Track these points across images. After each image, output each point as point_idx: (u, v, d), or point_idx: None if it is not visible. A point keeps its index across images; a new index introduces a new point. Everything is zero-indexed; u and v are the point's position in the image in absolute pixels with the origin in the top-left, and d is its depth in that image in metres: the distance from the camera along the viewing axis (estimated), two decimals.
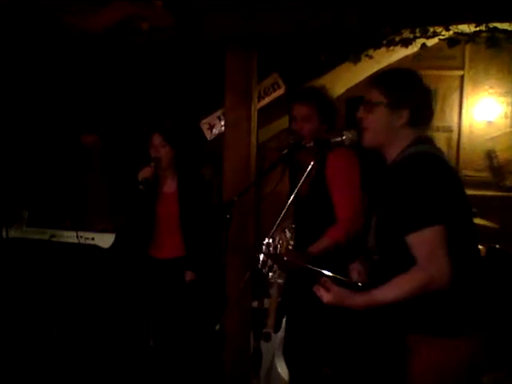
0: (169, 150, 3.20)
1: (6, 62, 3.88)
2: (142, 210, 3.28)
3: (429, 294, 1.72)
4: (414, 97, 1.86)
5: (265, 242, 2.62)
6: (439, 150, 1.89)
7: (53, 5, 2.99)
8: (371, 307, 1.78)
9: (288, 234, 2.66)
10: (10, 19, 3.15)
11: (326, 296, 1.79)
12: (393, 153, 1.89)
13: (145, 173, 3.15)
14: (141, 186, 3.12)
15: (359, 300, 1.78)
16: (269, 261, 1.86)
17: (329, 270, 1.84)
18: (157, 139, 3.20)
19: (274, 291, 2.94)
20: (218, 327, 2.18)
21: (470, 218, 1.89)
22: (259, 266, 2.02)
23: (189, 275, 3.22)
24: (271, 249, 2.61)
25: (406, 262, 1.74)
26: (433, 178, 1.72)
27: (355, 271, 2.08)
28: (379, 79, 1.94)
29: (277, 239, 2.80)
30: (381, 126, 1.88)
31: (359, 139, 2.19)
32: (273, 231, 2.28)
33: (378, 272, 1.93)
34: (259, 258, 1.91)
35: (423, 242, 1.69)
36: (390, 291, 1.75)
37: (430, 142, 1.91)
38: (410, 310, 1.80)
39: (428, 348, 1.81)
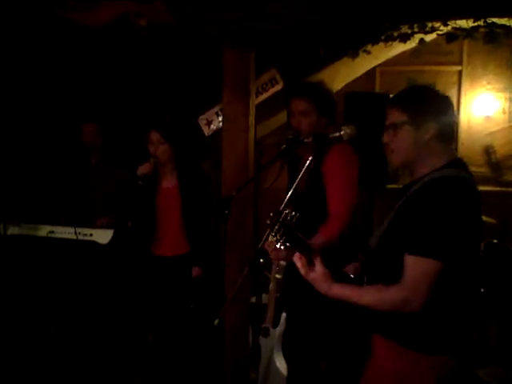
0: (167, 146, 3.20)
1: (6, 57, 3.87)
2: (141, 205, 3.28)
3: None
4: (434, 109, 1.85)
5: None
6: (469, 173, 1.87)
7: (52, 1, 2.99)
8: (341, 301, 1.82)
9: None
10: (11, 14, 3.14)
11: (305, 270, 1.81)
12: (424, 169, 1.86)
13: (144, 169, 3.15)
14: (140, 182, 3.13)
15: (334, 289, 1.81)
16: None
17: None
18: (155, 136, 3.20)
19: (272, 286, 2.94)
20: (216, 322, 2.18)
21: (475, 250, 1.86)
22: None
23: (196, 271, 3.22)
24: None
25: (397, 275, 1.76)
26: (454, 210, 1.71)
27: (352, 268, 2.10)
28: (395, 100, 1.94)
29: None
30: (408, 144, 1.88)
31: (359, 135, 2.20)
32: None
33: (370, 269, 1.95)
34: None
35: (417, 268, 1.71)
36: (365, 297, 1.80)
37: (461, 165, 1.88)
38: (389, 315, 1.81)
39: (395, 355, 1.83)
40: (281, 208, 1.92)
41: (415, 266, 1.71)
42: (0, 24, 3.26)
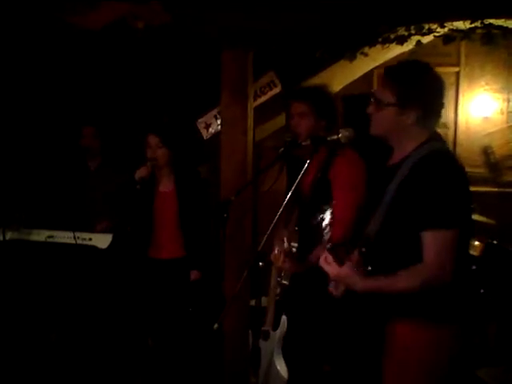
0: (165, 150, 3.20)
1: (6, 60, 3.87)
2: (139, 209, 3.27)
3: None
4: (423, 96, 1.88)
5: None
6: (448, 147, 1.97)
7: (51, 3, 2.99)
8: (370, 292, 1.85)
9: (286, 244, 2.66)
10: (11, 18, 3.14)
11: (334, 267, 1.84)
12: (406, 148, 1.91)
13: (141, 172, 3.15)
14: (138, 186, 3.12)
15: (368, 282, 1.84)
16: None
17: None
18: (153, 140, 3.20)
19: (273, 290, 2.94)
20: (216, 326, 2.17)
21: (471, 215, 1.94)
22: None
23: (194, 274, 3.22)
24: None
25: (408, 255, 1.80)
26: (454, 180, 1.80)
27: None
28: (389, 76, 1.93)
29: (276, 249, 2.81)
30: (388, 123, 1.92)
31: (357, 137, 2.21)
32: (269, 231, 2.29)
33: (374, 257, 1.94)
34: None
35: (437, 241, 1.76)
36: (399, 284, 1.81)
37: (441, 139, 1.96)
38: (401, 295, 1.84)
39: (414, 332, 1.86)
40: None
41: (437, 240, 1.76)
42: (4, 25, 3.26)
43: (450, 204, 1.77)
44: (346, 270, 1.83)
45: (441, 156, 1.84)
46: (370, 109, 1.96)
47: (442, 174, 1.79)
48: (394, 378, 1.94)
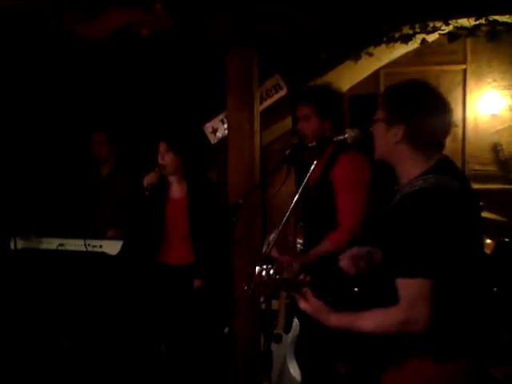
0: (173, 156, 3.21)
1: (15, 70, 3.91)
2: (148, 215, 3.28)
3: None
4: (410, 112, 1.74)
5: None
6: (453, 178, 1.74)
7: (55, 14, 3.03)
8: (342, 330, 1.77)
9: (272, 236, 2.63)
10: (17, 29, 3.19)
11: (303, 304, 1.80)
12: (404, 175, 1.80)
13: (150, 178, 3.16)
14: (146, 192, 3.14)
15: (333, 320, 1.77)
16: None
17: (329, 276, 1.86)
18: (161, 146, 3.21)
19: (282, 293, 2.94)
20: (226, 330, 2.17)
21: (471, 254, 1.78)
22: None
23: (197, 282, 3.22)
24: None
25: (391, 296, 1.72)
26: (433, 224, 1.64)
27: (346, 260, 2.02)
28: (386, 93, 1.88)
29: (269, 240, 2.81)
30: (380, 141, 1.84)
31: (364, 138, 2.19)
32: (277, 231, 2.29)
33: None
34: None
35: (410, 288, 1.66)
36: (367, 323, 1.73)
37: (446, 171, 1.75)
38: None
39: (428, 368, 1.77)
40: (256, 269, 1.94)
41: (408, 288, 1.66)
42: (12, 36, 3.30)
43: (425, 251, 1.63)
44: (308, 308, 1.78)
45: (428, 196, 1.66)
46: (371, 129, 1.89)
47: (422, 218, 1.63)
48: None
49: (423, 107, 1.75)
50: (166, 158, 3.20)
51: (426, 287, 1.65)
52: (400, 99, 1.79)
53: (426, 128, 1.75)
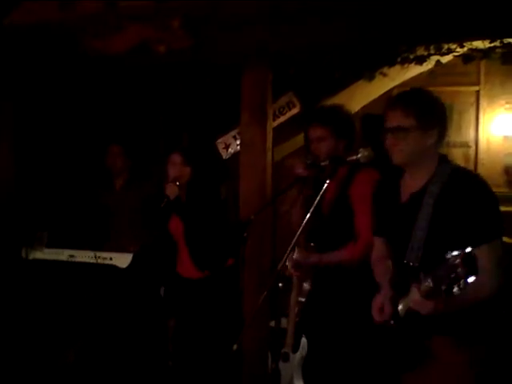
0: (189, 169, 3.24)
1: (35, 83, 3.96)
2: (164, 227, 3.31)
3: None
4: (439, 114, 1.98)
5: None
6: None
7: (74, 29, 3.08)
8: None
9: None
10: (38, 44, 3.25)
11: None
12: (424, 171, 1.98)
13: (173, 189, 3.17)
14: (162, 204, 3.15)
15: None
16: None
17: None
18: (177, 158, 3.24)
19: (292, 310, 2.92)
20: (235, 347, 2.16)
21: None
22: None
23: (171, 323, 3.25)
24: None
25: None
26: (491, 194, 1.91)
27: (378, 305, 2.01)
28: (402, 102, 1.98)
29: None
30: (414, 148, 1.96)
31: (376, 157, 2.20)
32: (288, 252, 2.29)
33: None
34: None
35: (493, 252, 1.82)
36: (467, 298, 1.77)
37: (447, 158, 2.03)
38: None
39: (450, 351, 1.88)
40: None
41: (491, 252, 1.81)
42: (32, 51, 3.35)
43: (495, 216, 1.87)
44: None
45: (467, 172, 1.97)
46: (392, 140, 1.98)
47: (480, 189, 1.89)
48: None
49: (444, 110, 2.00)
50: (183, 171, 3.23)
51: (500, 246, 1.86)
52: (429, 107, 1.97)
53: (448, 126, 2.01)
